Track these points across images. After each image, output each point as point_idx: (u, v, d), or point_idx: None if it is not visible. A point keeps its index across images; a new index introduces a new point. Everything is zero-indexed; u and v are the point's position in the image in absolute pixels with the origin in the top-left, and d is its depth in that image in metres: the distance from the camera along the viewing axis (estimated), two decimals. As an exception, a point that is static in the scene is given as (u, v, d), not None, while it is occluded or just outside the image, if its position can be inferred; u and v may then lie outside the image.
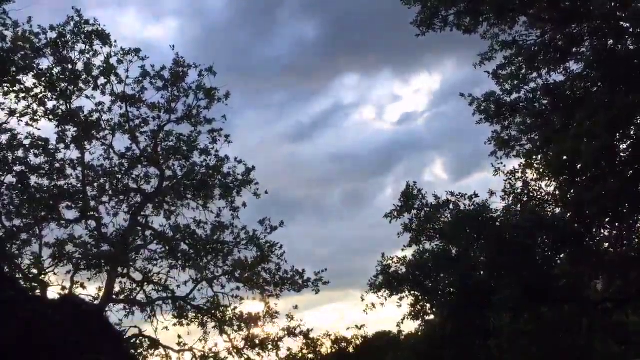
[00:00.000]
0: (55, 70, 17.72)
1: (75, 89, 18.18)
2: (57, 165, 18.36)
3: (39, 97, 17.75)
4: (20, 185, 17.79)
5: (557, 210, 18.36)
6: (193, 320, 19.75)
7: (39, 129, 17.95)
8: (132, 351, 18.10)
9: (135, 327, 18.94)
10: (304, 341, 20.33)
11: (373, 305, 19.78)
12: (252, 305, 20.14)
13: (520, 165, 19.04)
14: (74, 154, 18.64)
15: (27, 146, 17.80)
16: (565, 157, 15.77)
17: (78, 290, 18.24)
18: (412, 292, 19.33)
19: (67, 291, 17.58)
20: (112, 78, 18.40)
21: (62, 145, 18.31)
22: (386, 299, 19.55)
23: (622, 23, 15.18)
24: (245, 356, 19.60)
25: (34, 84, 17.52)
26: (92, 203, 18.84)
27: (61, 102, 18.15)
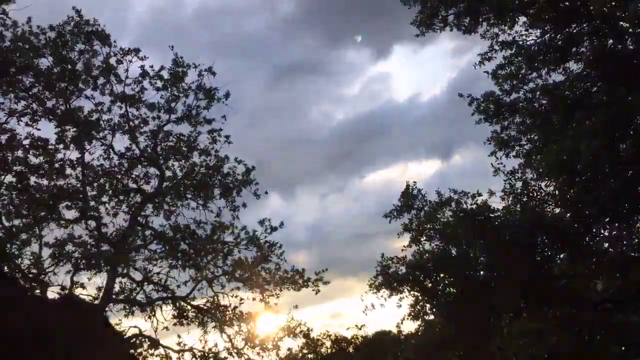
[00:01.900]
0: (55, 70, 17.71)
1: (75, 88, 18.17)
2: (57, 165, 18.34)
3: (38, 96, 17.74)
4: (19, 185, 17.77)
5: (557, 210, 18.36)
6: (193, 320, 19.76)
7: (39, 129, 17.94)
8: (132, 351, 18.09)
9: (135, 327, 19.00)
10: (304, 341, 20.35)
11: (373, 305, 19.78)
12: (252, 304, 20.17)
13: (519, 165, 19.03)
14: (73, 154, 18.66)
15: (27, 146, 17.77)
16: (564, 157, 15.75)
17: (78, 290, 18.25)
18: (412, 292, 19.32)
19: (67, 291, 17.58)
20: (112, 78, 18.43)
21: (61, 145, 18.31)
22: (386, 299, 19.56)
23: (622, 23, 15.17)
24: (245, 356, 19.60)
25: (32, 82, 17.49)
26: (92, 203, 18.83)
27: (60, 102, 18.16)
